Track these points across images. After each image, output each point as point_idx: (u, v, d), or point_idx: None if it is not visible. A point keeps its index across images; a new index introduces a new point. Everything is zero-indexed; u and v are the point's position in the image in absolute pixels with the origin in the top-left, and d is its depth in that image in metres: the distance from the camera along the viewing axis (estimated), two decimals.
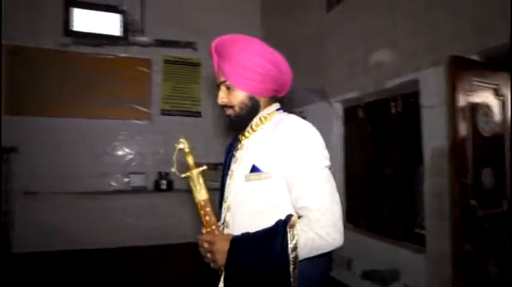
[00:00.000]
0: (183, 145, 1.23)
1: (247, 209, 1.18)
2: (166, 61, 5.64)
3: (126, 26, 5.21)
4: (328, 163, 1.14)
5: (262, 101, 1.25)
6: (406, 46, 3.09)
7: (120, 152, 5.42)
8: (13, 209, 4.95)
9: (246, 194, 1.18)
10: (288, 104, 4.77)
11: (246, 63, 1.19)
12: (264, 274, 1.04)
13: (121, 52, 5.39)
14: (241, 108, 1.23)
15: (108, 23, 5.35)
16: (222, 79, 1.23)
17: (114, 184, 5.36)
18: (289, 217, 1.09)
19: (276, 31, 5.67)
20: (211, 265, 1.16)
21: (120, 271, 4.23)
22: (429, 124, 2.84)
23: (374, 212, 3.72)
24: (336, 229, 1.05)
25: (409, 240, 3.23)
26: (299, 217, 1.10)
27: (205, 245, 1.15)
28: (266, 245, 1.06)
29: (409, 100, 3.22)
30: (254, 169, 1.16)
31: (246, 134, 1.27)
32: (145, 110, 5.53)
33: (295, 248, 1.02)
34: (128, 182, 5.40)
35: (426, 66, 2.85)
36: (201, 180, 1.23)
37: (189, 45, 5.36)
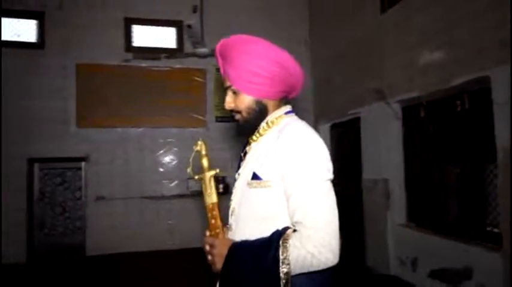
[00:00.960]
0: (199, 147, 1.23)
1: (248, 215, 1.15)
2: (218, 70, 5.88)
3: (183, 38, 5.51)
4: (330, 176, 1.08)
5: (270, 104, 1.20)
6: (472, 44, 3.08)
7: (178, 158, 5.70)
8: (86, 214, 5.36)
9: (248, 200, 1.16)
10: (344, 107, 4.86)
11: (250, 67, 1.13)
12: (256, 285, 1.03)
13: (177, 64, 5.68)
14: (248, 113, 1.18)
15: (165, 37, 5.68)
16: (228, 84, 1.19)
17: (175, 188, 5.65)
18: (285, 229, 1.06)
19: (325, 36, 5.76)
20: (212, 267, 1.15)
21: (185, 269, 4.45)
22: (502, 121, 2.81)
23: (439, 211, 3.70)
24: (329, 249, 0.99)
25: (481, 239, 3.19)
26: (294, 231, 1.05)
27: (207, 247, 1.16)
28: (260, 256, 1.03)
29: (479, 97, 3.19)
30: (255, 176, 1.13)
31: (254, 137, 1.23)
32: (200, 117, 5.79)
33: (287, 263, 0.99)
34: (187, 187, 5.67)
35: (496, 63, 2.84)
36: (212, 183, 1.22)
37: None
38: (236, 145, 5.73)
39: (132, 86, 5.49)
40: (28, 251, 5.08)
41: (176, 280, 4.17)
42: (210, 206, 1.21)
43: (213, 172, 1.22)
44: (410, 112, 4.05)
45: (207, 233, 1.20)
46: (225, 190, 5.67)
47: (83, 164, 5.42)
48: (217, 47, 1.20)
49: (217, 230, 1.19)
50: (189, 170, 1.25)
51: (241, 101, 1.18)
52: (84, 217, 5.37)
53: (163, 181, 5.60)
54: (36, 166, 5.33)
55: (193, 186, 5.65)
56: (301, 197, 1.03)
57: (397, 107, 4.14)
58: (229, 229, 1.22)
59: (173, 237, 5.45)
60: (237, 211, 1.21)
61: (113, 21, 5.48)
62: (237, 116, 1.21)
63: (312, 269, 1.00)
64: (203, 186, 1.23)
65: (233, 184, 1.27)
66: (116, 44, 5.48)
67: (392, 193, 4.14)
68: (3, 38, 5.09)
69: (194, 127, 5.73)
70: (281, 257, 0.99)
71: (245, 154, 1.27)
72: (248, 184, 1.14)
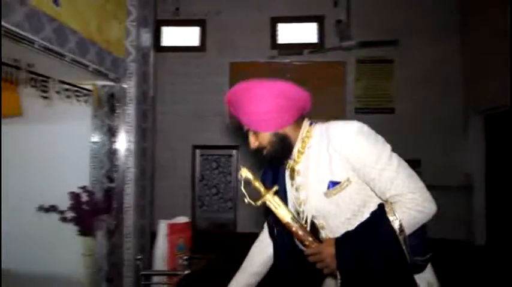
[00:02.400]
0: (245, 174, 1.27)
1: (339, 220, 1.24)
2: (359, 61, 5.90)
3: (324, 32, 5.71)
4: (389, 146, 1.18)
5: (288, 129, 1.28)
6: None
7: None
8: (238, 196, 6.06)
9: (333, 208, 1.23)
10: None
11: (257, 109, 1.24)
12: (378, 261, 1.11)
13: (318, 57, 5.92)
14: (272, 146, 1.27)
15: (307, 32, 5.97)
16: (246, 127, 1.31)
17: None
18: (382, 205, 1.17)
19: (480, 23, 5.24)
20: (325, 271, 1.20)
21: None
22: None
23: None
24: (430, 200, 1.14)
25: None
26: (391, 203, 1.15)
27: (312, 258, 1.21)
28: (371, 235, 1.14)
29: None
30: (331, 185, 1.20)
31: (296, 159, 1.31)
32: (340, 109, 5.92)
33: (402, 231, 1.11)
34: None
35: None
36: (277, 200, 1.25)
37: (388, 43, 5.48)
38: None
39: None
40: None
41: None
42: (290, 222, 1.24)
43: (273, 189, 1.27)
44: None
45: (306, 243, 1.24)
46: None
47: (234, 151, 6.13)
48: (226, 100, 1.30)
49: (310, 238, 1.24)
50: (246, 200, 1.26)
51: (263, 139, 1.28)
52: (234, 198, 6.09)
53: None
54: (198, 152, 6.24)
55: None
56: (385, 177, 1.14)
57: None
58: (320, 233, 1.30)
59: None
60: (326, 225, 1.28)
61: (261, 22, 6.00)
62: (264, 152, 1.31)
63: (420, 224, 1.16)
64: (270, 207, 1.26)
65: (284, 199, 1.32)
66: (263, 42, 6.00)
67: None
68: (174, 44, 6.10)
69: (334, 119, 5.89)
70: (395, 225, 1.12)
71: (290, 176, 1.34)
72: (325, 194, 1.22)
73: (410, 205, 1.13)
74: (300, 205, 1.31)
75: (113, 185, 2.47)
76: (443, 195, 5.78)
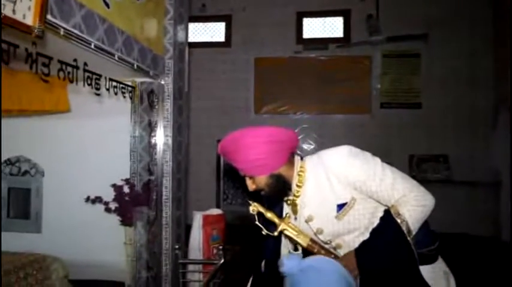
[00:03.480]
0: (256, 208, 1.36)
1: (354, 235, 1.34)
2: (385, 55, 5.85)
3: (350, 26, 5.69)
4: (378, 159, 1.30)
5: (283, 169, 1.34)
6: None
7: (344, 143, 5.95)
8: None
9: (346, 227, 1.33)
10: None
11: (249, 158, 1.30)
12: (391, 261, 1.25)
13: (344, 52, 5.89)
14: (269, 187, 1.34)
15: (333, 27, 5.95)
16: (242, 173, 1.38)
17: None
18: (388, 211, 1.28)
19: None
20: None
21: None
22: None
23: None
24: (428, 194, 1.27)
25: None
26: (396, 206, 1.26)
27: None
28: (383, 238, 1.27)
29: None
30: (339, 208, 1.31)
31: (296, 194, 1.37)
32: (365, 104, 5.90)
33: (409, 230, 1.23)
34: None
35: None
36: (293, 226, 1.35)
37: (417, 37, 5.41)
38: (401, 132, 5.66)
39: (302, 76, 5.95)
40: None
41: None
42: (310, 243, 1.35)
43: (287, 216, 1.38)
44: None
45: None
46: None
47: None
48: (219, 150, 1.38)
49: (332, 256, 1.34)
50: (264, 232, 1.37)
51: (259, 182, 1.35)
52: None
53: None
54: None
55: None
56: (385, 185, 1.26)
57: None
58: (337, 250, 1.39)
59: None
60: (339, 242, 1.37)
61: (286, 17, 6.01)
62: (263, 192, 1.38)
63: (426, 216, 1.28)
64: (288, 234, 1.35)
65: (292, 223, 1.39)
66: (289, 37, 6.02)
67: None
68: (200, 40, 6.19)
69: (359, 113, 5.88)
70: (402, 225, 1.23)
71: (292, 211, 1.40)
72: (336, 217, 1.32)
73: (414, 202, 1.25)
74: (315, 235, 1.39)
75: (152, 177, 2.58)
76: (471, 191, 5.74)
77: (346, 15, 5.92)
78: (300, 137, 5.99)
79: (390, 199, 1.28)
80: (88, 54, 1.67)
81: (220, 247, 2.66)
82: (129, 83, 2.32)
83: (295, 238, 1.36)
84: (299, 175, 1.37)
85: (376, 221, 1.32)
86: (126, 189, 2.49)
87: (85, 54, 1.67)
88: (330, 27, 6.06)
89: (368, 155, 1.32)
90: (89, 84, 1.70)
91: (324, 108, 5.95)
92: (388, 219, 1.28)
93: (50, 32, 1.40)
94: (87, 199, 2.39)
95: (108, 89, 1.93)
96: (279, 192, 1.38)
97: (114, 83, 2.01)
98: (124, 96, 2.11)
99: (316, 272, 1.29)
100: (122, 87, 2.10)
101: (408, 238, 1.23)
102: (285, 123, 6.00)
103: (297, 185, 1.38)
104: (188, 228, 2.85)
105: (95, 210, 2.46)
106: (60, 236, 2.62)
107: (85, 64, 1.68)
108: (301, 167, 1.38)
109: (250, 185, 1.39)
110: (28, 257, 2.21)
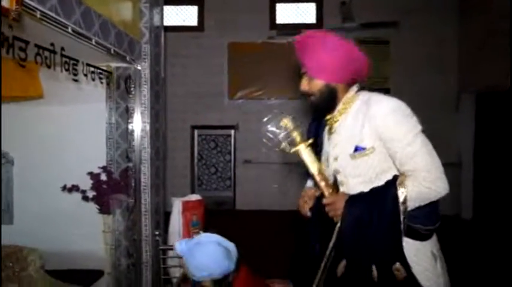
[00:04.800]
0: (286, 123, 1.44)
1: (358, 181, 1.38)
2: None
3: (322, 13, 5.73)
4: (420, 127, 1.29)
5: (339, 87, 1.41)
6: None
7: None
8: (236, 174, 6.18)
9: (354, 169, 1.38)
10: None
11: (324, 58, 1.36)
12: (376, 224, 1.26)
13: None
14: (320, 95, 1.41)
15: (306, 13, 5.97)
16: (304, 70, 1.44)
17: None
18: (396, 177, 1.30)
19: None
20: (335, 219, 1.38)
21: None
22: None
23: None
24: (442, 181, 1.26)
25: None
26: (405, 176, 1.28)
27: (327, 207, 1.39)
28: (379, 200, 1.28)
29: None
30: (357, 149, 1.35)
31: (335, 118, 1.45)
32: None
33: (404, 202, 1.24)
34: None
35: None
36: (308, 152, 1.42)
37: (388, 25, 5.53)
38: None
39: (276, 61, 5.97)
40: None
41: None
42: (316, 173, 1.42)
43: (308, 142, 1.44)
44: None
45: (325, 194, 1.42)
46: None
47: (232, 131, 6.20)
48: (297, 40, 1.42)
49: (329, 190, 1.41)
50: (283, 145, 1.46)
51: (315, 85, 1.41)
52: (233, 177, 6.21)
53: None
54: (196, 132, 6.30)
55: None
56: (406, 152, 1.26)
57: None
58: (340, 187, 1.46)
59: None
60: (345, 182, 1.43)
61: (260, 2, 5.98)
62: (312, 98, 1.44)
63: (430, 200, 1.28)
64: (302, 157, 1.43)
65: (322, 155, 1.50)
66: (262, 22, 6.00)
67: None
68: (172, 23, 6.03)
69: None
70: (400, 197, 1.25)
71: (329, 132, 1.48)
72: (351, 156, 1.37)
73: (422, 181, 1.26)
74: (332, 161, 1.45)
75: (130, 164, 2.54)
76: None
77: (318, 1, 5.95)
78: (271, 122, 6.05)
79: (404, 165, 1.29)
80: (65, 39, 1.61)
81: (201, 232, 2.68)
82: (106, 69, 2.25)
83: (308, 163, 1.42)
84: (347, 102, 1.42)
85: (382, 181, 1.34)
86: (103, 177, 2.45)
87: (61, 39, 1.61)
88: (303, 12, 6.08)
89: (412, 120, 1.30)
90: (66, 70, 1.64)
91: (298, 94, 5.99)
92: (391, 185, 1.30)
93: (27, 16, 1.34)
94: (64, 188, 2.34)
95: (85, 75, 1.87)
96: (324, 104, 1.43)
97: (92, 69, 1.95)
98: (101, 82, 2.05)
99: (198, 245, 1.54)
100: (99, 73, 2.04)
101: (400, 209, 1.25)
102: (259, 108, 6.03)
103: (339, 111, 1.43)
104: (167, 214, 2.85)
105: (71, 199, 2.41)
106: (35, 226, 2.54)
107: (62, 49, 1.61)
108: (352, 96, 1.42)
109: (304, 85, 1.44)
110: (5, 250, 2.15)
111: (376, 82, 5.99)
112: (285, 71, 5.96)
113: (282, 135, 1.45)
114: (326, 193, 1.42)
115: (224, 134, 6.26)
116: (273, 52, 5.97)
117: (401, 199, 1.26)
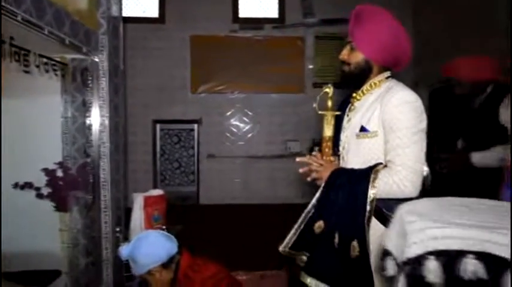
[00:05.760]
0: (329, 89, 1.55)
1: (356, 160, 1.46)
2: (317, 37, 6.07)
3: (284, 7, 5.78)
4: (424, 127, 1.36)
5: (375, 67, 1.47)
6: None
7: (279, 121, 6.15)
8: (199, 169, 6.14)
9: (356, 148, 1.46)
10: None
11: (373, 32, 1.41)
12: (347, 203, 1.36)
13: (278, 33, 6.00)
14: (355, 67, 1.47)
15: (268, 7, 6.00)
16: (349, 39, 1.48)
17: (275, 149, 6.14)
18: (378, 164, 1.38)
19: None
20: (317, 182, 1.52)
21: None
22: None
23: None
24: (412, 184, 1.30)
25: None
26: (385, 167, 1.36)
27: (316, 166, 1.51)
28: (356, 180, 1.38)
29: None
30: (362, 129, 1.43)
31: (358, 97, 1.52)
32: (299, 84, 6.11)
33: (375, 187, 1.31)
34: (286, 148, 6.14)
35: None
36: (332, 121, 1.55)
37: (347, 21, 5.66)
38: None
39: (238, 55, 5.95)
40: None
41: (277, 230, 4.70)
42: (327, 138, 1.54)
43: (336, 112, 1.56)
44: None
45: (322, 158, 1.54)
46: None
47: (195, 125, 6.14)
48: (355, 9, 1.48)
49: (328, 157, 1.54)
50: (315, 105, 1.59)
51: (355, 57, 1.47)
52: (196, 171, 6.16)
53: (265, 142, 6.13)
54: (158, 126, 6.17)
55: (292, 147, 6.10)
56: (395, 143, 1.33)
57: None
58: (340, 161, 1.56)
59: (275, 193, 6.00)
60: (346, 158, 1.52)
61: None
62: (346, 68, 1.51)
63: (395, 196, 1.33)
64: (324, 121, 1.55)
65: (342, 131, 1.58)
66: (225, 15, 5.94)
67: None
68: (132, 15, 5.83)
69: (294, 93, 6.08)
70: (371, 183, 1.32)
71: (349, 109, 1.56)
72: (356, 135, 1.45)
73: (393, 175, 1.32)
74: (343, 137, 1.54)
75: (88, 160, 2.46)
76: None
77: None
78: (234, 116, 6.07)
79: (387, 154, 1.36)
80: (15, 29, 1.52)
81: (164, 227, 2.66)
82: (60, 60, 2.16)
83: (325, 127, 1.54)
84: (373, 84, 1.47)
85: (369, 164, 1.41)
86: (60, 173, 2.35)
87: (12, 29, 1.52)
88: (265, 6, 6.10)
89: (418, 117, 1.35)
90: (16, 61, 1.55)
91: (260, 88, 6.04)
92: (370, 169, 1.37)
93: None
94: (16, 185, 2.22)
95: (38, 66, 1.78)
96: (354, 78, 1.49)
97: (45, 60, 1.86)
98: (56, 75, 1.96)
99: (139, 240, 1.79)
100: (53, 65, 1.95)
101: (368, 192, 1.32)
102: (222, 102, 6.01)
103: (363, 91, 1.49)
104: (129, 211, 2.79)
105: (24, 197, 2.29)
106: None
107: (11, 38, 1.53)
108: (380, 81, 1.47)
109: (344, 54, 1.49)
110: None
111: (338, 77, 6.14)
112: (248, 65, 5.97)
113: (317, 96, 1.56)
114: (323, 157, 1.53)
115: (187, 128, 6.18)
116: (236, 46, 5.96)
117: (371, 184, 1.33)
